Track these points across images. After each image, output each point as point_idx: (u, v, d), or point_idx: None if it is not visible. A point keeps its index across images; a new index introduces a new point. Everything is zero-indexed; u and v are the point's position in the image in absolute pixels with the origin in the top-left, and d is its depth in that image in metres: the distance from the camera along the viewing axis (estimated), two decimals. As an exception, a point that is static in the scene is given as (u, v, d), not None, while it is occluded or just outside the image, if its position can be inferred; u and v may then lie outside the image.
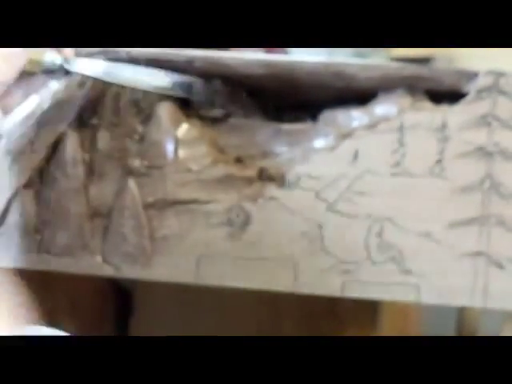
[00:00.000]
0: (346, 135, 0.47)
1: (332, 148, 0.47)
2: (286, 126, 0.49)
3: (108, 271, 0.50)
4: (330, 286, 0.47)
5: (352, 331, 0.69)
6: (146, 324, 0.76)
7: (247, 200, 0.48)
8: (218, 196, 0.48)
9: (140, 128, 0.50)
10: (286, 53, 0.78)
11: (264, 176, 0.48)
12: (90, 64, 0.50)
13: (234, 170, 0.49)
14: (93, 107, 0.51)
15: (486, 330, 0.87)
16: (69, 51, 0.49)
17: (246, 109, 0.51)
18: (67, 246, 0.50)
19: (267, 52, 0.67)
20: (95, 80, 0.50)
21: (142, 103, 0.50)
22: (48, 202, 0.51)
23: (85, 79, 0.50)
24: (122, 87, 0.50)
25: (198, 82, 0.50)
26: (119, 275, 0.50)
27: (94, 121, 0.51)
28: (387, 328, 0.72)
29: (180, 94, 0.50)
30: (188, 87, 0.50)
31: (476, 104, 0.46)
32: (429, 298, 0.46)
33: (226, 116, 0.51)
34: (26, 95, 0.52)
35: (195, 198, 0.49)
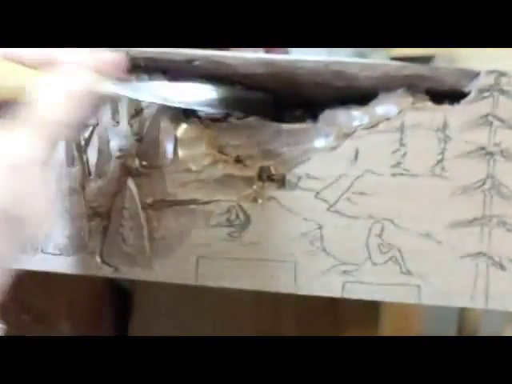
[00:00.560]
0: (347, 135, 0.47)
1: (332, 148, 0.47)
2: (286, 126, 0.49)
3: (107, 272, 0.50)
4: (330, 286, 0.47)
5: (352, 332, 0.69)
6: (145, 325, 0.76)
7: (247, 200, 0.48)
8: (217, 196, 0.48)
9: (139, 128, 0.49)
10: (286, 52, 0.78)
11: (264, 176, 0.48)
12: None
13: (234, 170, 0.49)
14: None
15: (487, 330, 0.87)
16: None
17: (246, 108, 0.50)
18: (65, 247, 0.50)
19: (267, 52, 0.66)
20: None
21: (141, 103, 0.50)
22: (46, 202, 0.51)
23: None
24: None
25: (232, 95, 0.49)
26: (118, 276, 0.50)
27: (93, 121, 0.51)
28: (388, 328, 0.72)
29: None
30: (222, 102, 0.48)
31: (477, 104, 0.45)
32: (429, 298, 0.46)
33: (226, 116, 0.50)
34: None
35: (195, 198, 0.48)
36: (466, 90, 0.46)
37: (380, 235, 0.46)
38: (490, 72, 0.45)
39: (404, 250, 0.46)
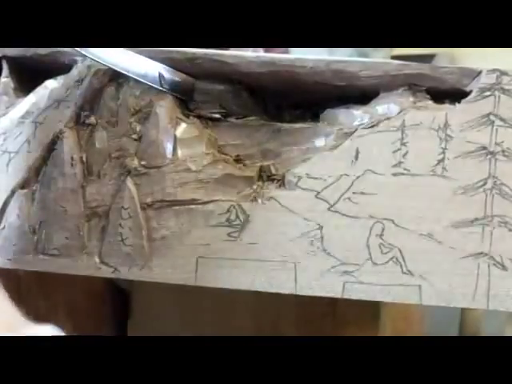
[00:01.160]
0: (347, 134, 0.47)
1: (333, 147, 0.47)
2: (287, 126, 0.49)
3: (106, 272, 0.49)
4: (330, 287, 0.47)
5: (353, 332, 0.69)
6: (145, 325, 0.76)
7: (247, 200, 0.48)
8: (217, 196, 0.48)
9: (138, 127, 0.49)
10: (286, 52, 0.78)
11: (264, 176, 0.48)
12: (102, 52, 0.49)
13: (234, 169, 0.48)
14: (90, 106, 0.51)
15: (489, 330, 0.87)
16: None
17: (246, 108, 0.50)
18: (64, 247, 0.50)
19: (267, 51, 0.66)
20: (94, 78, 0.50)
21: (140, 102, 0.49)
22: (45, 201, 0.50)
23: (83, 76, 0.50)
24: (120, 85, 0.50)
25: (199, 83, 0.49)
26: (117, 276, 0.50)
27: (92, 120, 0.50)
28: (388, 329, 0.72)
29: (177, 93, 0.49)
30: (187, 87, 0.49)
31: (478, 103, 0.45)
32: (431, 299, 0.46)
33: (226, 115, 0.50)
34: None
35: (194, 198, 0.48)
36: (467, 89, 0.46)
37: (381, 235, 0.46)
38: (492, 71, 0.45)
39: (405, 250, 0.46)
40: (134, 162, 0.49)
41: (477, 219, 0.45)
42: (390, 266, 0.46)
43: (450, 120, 0.46)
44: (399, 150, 0.46)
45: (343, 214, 0.47)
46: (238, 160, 0.49)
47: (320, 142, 0.48)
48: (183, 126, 0.49)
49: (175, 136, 0.49)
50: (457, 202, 0.45)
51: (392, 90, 0.47)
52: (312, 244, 0.47)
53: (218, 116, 0.50)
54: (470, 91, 0.46)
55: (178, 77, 0.49)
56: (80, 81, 0.51)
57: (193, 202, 0.48)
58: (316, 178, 0.47)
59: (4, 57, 0.54)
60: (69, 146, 0.50)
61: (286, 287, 0.47)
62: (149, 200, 0.49)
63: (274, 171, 0.48)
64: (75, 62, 0.51)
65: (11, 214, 0.51)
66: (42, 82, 0.53)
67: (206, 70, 0.49)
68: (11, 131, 0.52)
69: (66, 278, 0.51)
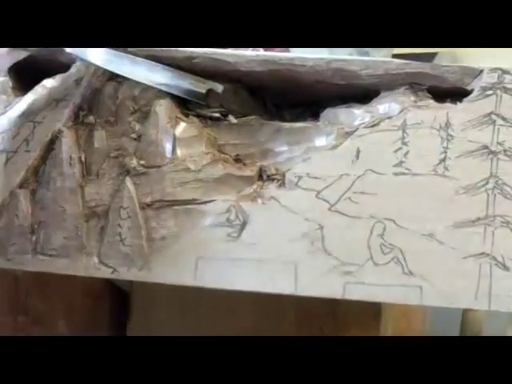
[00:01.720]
0: (348, 134, 0.47)
1: (333, 147, 0.47)
2: (287, 125, 0.49)
3: (105, 273, 0.49)
4: (331, 287, 0.46)
5: (354, 333, 0.68)
6: (144, 325, 0.76)
7: (246, 200, 0.47)
8: (216, 196, 0.48)
9: (137, 126, 0.49)
10: (287, 51, 0.78)
11: (264, 176, 0.48)
12: (99, 53, 0.48)
13: (234, 169, 0.48)
14: (89, 105, 0.50)
15: (491, 330, 0.87)
16: None
17: (245, 107, 0.50)
18: (63, 247, 0.50)
19: (267, 50, 0.66)
20: (92, 77, 0.50)
21: (140, 101, 0.49)
22: (43, 201, 0.50)
23: (82, 75, 0.50)
24: (119, 85, 0.50)
25: (199, 83, 0.49)
26: (116, 277, 0.49)
27: (91, 119, 0.50)
28: (389, 330, 0.72)
29: (179, 93, 0.49)
30: (188, 87, 0.49)
31: (480, 102, 0.45)
32: (432, 299, 0.46)
33: (226, 114, 0.50)
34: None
35: (194, 197, 0.48)
36: (469, 88, 0.46)
37: (382, 235, 0.46)
38: (493, 70, 0.45)
39: (406, 250, 0.46)
40: (133, 162, 0.49)
41: (478, 219, 0.45)
42: (391, 267, 0.46)
43: (451, 119, 0.45)
44: (400, 149, 0.46)
45: (344, 214, 0.46)
46: (237, 160, 0.49)
47: (320, 142, 0.48)
48: (182, 125, 0.49)
49: (174, 135, 0.48)
50: (458, 202, 0.45)
51: (393, 89, 0.47)
52: (312, 244, 0.47)
53: (217, 115, 0.50)
54: (472, 90, 0.45)
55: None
56: (79, 80, 0.50)
57: (192, 201, 0.48)
58: (316, 178, 0.47)
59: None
60: (67, 145, 0.50)
61: (286, 287, 0.47)
62: (148, 200, 0.49)
63: (274, 171, 0.48)
64: (74, 61, 0.51)
65: (9, 214, 0.50)
66: (41, 81, 0.53)
67: (205, 68, 0.49)
68: (9, 130, 0.52)
69: (65, 279, 0.51)
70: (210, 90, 0.49)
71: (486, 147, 0.45)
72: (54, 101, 0.51)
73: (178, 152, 0.48)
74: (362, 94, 0.48)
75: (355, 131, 0.47)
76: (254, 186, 0.48)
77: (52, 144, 0.50)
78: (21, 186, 0.51)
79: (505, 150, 0.45)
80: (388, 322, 0.71)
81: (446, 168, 0.45)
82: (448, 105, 0.46)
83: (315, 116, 0.49)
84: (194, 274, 0.48)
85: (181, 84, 0.49)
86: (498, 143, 0.45)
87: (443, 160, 0.45)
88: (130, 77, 0.49)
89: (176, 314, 0.74)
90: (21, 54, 0.51)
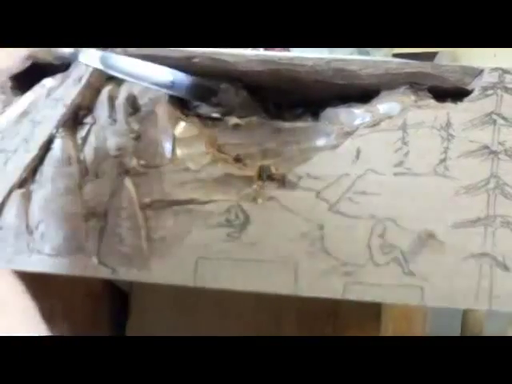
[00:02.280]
0: (348, 134, 0.47)
1: (333, 147, 0.47)
2: (287, 125, 0.48)
3: (104, 273, 0.49)
4: (331, 288, 0.46)
5: (354, 333, 0.68)
6: (143, 325, 0.75)
7: (246, 200, 0.47)
8: (216, 196, 0.48)
9: (137, 126, 0.49)
10: (287, 50, 0.78)
11: (264, 176, 0.48)
12: (97, 55, 0.48)
13: (233, 169, 0.48)
14: (88, 105, 0.50)
15: (491, 330, 0.87)
16: None
17: (245, 107, 0.50)
18: (62, 247, 0.50)
19: (267, 50, 0.66)
20: (92, 76, 0.50)
21: (139, 101, 0.49)
22: (42, 201, 0.50)
23: (81, 75, 0.50)
24: (118, 84, 0.50)
25: (199, 83, 0.49)
26: (115, 277, 0.49)
27: (90, 119, 0.50)
28: (390, 329, 0.72)
29: (179, 93, 0.49)
30: (188, 87, 0.49)
31: (481, 102, 0.45)
32: (433, 300, 0.46)
33: (225, 114, 0.50)
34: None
35: (193, 198, 0.48)
36: (470, 87, 0.46)
37: (382, 235, 0.46)
38: (494, 69, 0.45)
39: (406, 250, 0.46)
40: (133, 162, 0.49)
41: (479, 219, 0.45)
42: (392, 267, 0.46)
43: (451, 119, 0.45)
44: (401, 149, 0.46)
45: (344, 214, 0.46)
46: (237, 159, 0.49)
47: (321, 142, 0.48)
48: (182, 125, 0.49)
49: (174, 135, 0.48)
50: (459, 202, 0.45)
51: (393, 89, 0.47)
52: (312, 244, 0.46)
53: (217, 115, 0.50)
54: (472, 90, 0.45)
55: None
56: (78, 79, 0.50)
57: (192, 201, 0.48)
58: (316, 178, 0.47)
59: None
60: (66, 145, 0.50)
61: (286, 288, 0.47)
62: (148, 200, 0.48)
63: (274, 171, 0.48)
64: (73, 60, 0.51)
65: (8, 214, 0.50)
66: (40, 80, 0.53)
67: (205, 68, 0.49)
68: (8, 130, 0.52)
69: (64, 279, 0.51)
70: (209, 91, 0.49)
71: (486, 147, 0.45)
72: (53, 100, 0.51)
73: (178, 152, 0.48)
74: (363, 93, 0.48)
75: (355, 131, 0.46)
76: (254, 186, 0.48)
77: (51, 144, 0.50)
78: (20, 186, 0.51)
79: (505, 150, 0.45)
80: (388, 322, 0.71)
81: (446, 168, 0.45)
82: (448, 104, 0.46)
83: (315, 116, 0.49)
84: (193, 274, 0.48)
85: (180, 85, 0.49)
86: (499, 143, 0.45)
87: (444, 160, 0.45)
88: (129, 79, 0.49)
89: (176, 314, 0.74)
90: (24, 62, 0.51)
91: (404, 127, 0.46)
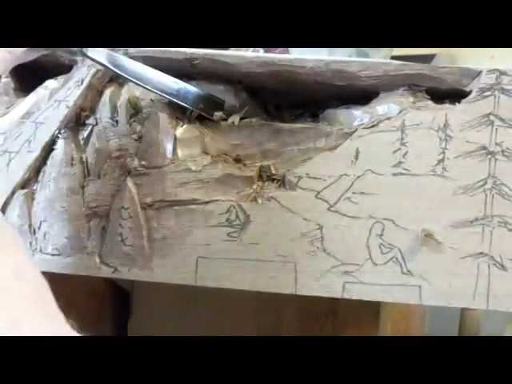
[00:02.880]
0: (347, 134, 0.47)
1: (333, 147, 0.47)
2: (287, 126, 0.49)
3: (106, 272, 0.49)
4: (330, 287, 0.47)
5: (353, 332, 0.68)
6: (145, 325, 0.75)
7: (247, 200, 0.48)
8: (217, 196, 0.48)
9: (138, 127, 0.49)
10: (286, 52, 0.78)
11: (264, 176, 0.48)
12: (104, 53, 0.48)
13: (234, 169, 0.48)
14: (90, 106, 0.51)
15: (489, 330, 0.87)
16: None
17: (245, 108, 0.50)
18: (65, 247, 0.50)
19: (267, 51, 0.66)
20: (94, 78, 0.50)
21: (141, 102, 0.49)
22: (45, 201, 0.50)
23: (83, 77, 0.50)
24: (120, 86, 0.50)
25: (205, 96, 0.49)
26: (117, 276, 0.49)
27: (92, 120, 0.50)
28: (389, 329, 0.72)
29: (183, 102, 0.49)
30: (193, 98, 0.49)
31: (478, 103, 0.45)
32: (431, 299, 0.46)
33: (226, 115, 0.50)
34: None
35: (194, 198, 0.48)
36: (467, 89, 0.46)
37: (381, 235, 0.46)
38: (491, 71, 0.45)
39: (405, 250, 0.46)
40: (135, 162, 0.49)
41: (477, 219, 0.45)
42: (390, 266, 0.46)
43: (449, 120, 0.46)
44: (399, 149, 0.46)
45: (343, 214, 0.46)
46: (238, 160, 0.49)
47: (320, 142, 0.48)
48: (183, 126, 0.49)
49: (175, 136, 0.49)
50: (457, 202, 0.45)
51: (392, 90, 0.47)
52: (312, 244, 0.47)
53: (218, 116, 0.50)
54: (470, 91, 0.46)
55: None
56: (80, 81, 0.50)
57: (193, 202, 0.48)
58: (316, 178, 0.47)
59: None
60: (69, 146, 0.50)
61: (286, 287, 0.47)
62: (149, 200, 0.49)
63: (274, 171, 0.48)
64: (75, 62, 0.51)
65: (11, 214, 0.51)
66: (43, 82, 0.53)
67: (206, 70, 0.49)
68: (11, 131, 0.52)
69: (66, 278, 0.51)
70: (215, 104, 0.49)
71: (484, 148, 0.45)
72: (55, 102, 0.51)
73: (179, 152, 0.48)
74: (362, 95, 0.48)
75: (354, 132, 0.47)
76: (254, 187, 0.48)
77: (54, 144, 0.51)
78: (23, 186, 0.51)
79: (503, 151, 0.45)
80: (387, 321, 0.71)
81: (444, 168, 0.46)
82: (446, 106, 0.46)
83: (315, 117, 0.50)
84: (194, 274, 0.48)
85: (185, 95, 0.49)
86: (496, 144, 0.45)
87: (442, 160, 0.46)
88: (133, 81, 0.48)
89: (176, 312, 0.74)
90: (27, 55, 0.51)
91: (402, 128, 0.46)
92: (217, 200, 0.48)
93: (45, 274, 0.48)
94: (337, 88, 0.48)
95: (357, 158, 0.46)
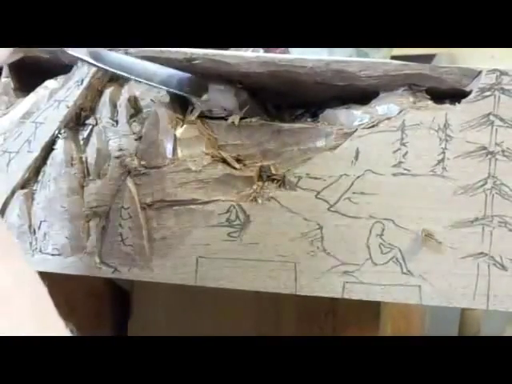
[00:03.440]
0: (347, 134, 0.47)
1: (333, 147, 0.47)
2: (287, 126, 0.49)
3: (106, 272, 0.49)
4: (330, 287, 0.47)
5: (353, 332, 0.69)
6: (145, 325, 0.76)
7: (247, 200, 0.48)
8: (217, 196, 0.48)
9: (138, 127, 0.49)
10: (286, 52, 0.78)
11: (264, 176, 0.48)
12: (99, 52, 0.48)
13: (234, 170, 0.48)
14: (90, 106, 0.51)
15: (489, 330, 0.87)
16: None
17: (245, 108, 0.50)
18: (64, 247, 0.50)
19: (267, 51, 0.66)
20: (93, 78, 0.50)
21: (141, 102, 0.49)
22: (45, 201, 0.50)
23: (83, 76, 0.50)
24: (120, 86, 0.50)
25: (189, 78, 0.49)
26: (117, 276, 0.49)
27: (92, 120, 0.50)
28: (389, 329, 0.72)
29: (178, 91, 0.49)
30: (177, 82, 0.49)
31: (478, 103, 0.45)
32: (431, 299, 0.46)
33: (226, 115, 0.50)
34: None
35: (194, 198, 0.48)
36: (467, 89, 0.46)
37: (381, 235, 0.46)
38: (492, 71, 0.45)
39: (405, 250, 0.46)
40: (134, 162, 0.49)
41: (477, 219, 0.45)
42: (390, 266, 0.46)
43: (449, 120, 0.46)
44: (399, 150, 0.46)
45: (343, 214, 0.46)
46: (238, 160, 0.49)
47: (320, 142, 0.48)
48: (183, 126, 0.49)
49: (175, 136, 0.49)
50: (457, 202, 0.45)
51: (392, 90, 0.47)
52: (312, 244, 0.47)
53: (218, 116, 0.50)
54: (470, 91, 0.45)
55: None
56: (80, 81, 0.51)
57: (193, 202, 0.48)
58: (316, 178, 0.47)
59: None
60: (69, 146, 0.50)
61: (286, 287, 0.47)
62: (149, 200, 0.49)
63: (274, 171, 0.48)
64: (75, 62, 0.51)
65: (11, 214, 0.51)
66: (42, 82, 0.53)
67: (206, 70, 0.49)
68: (11, 131, 0.52)
69: (66, 279, 0.51)
70: (199, 86, 0.49)
71: (484, 148, 0.45)
72: (55, 102, 0.51)
73: (179, 152, 0.48)
74: (361, 95, 0.48)
75: (354, 132, 0.47)
76: (254, 187, 0.48)
77: (53, 144, 0.51)
78: (22, 187, 0.51)
79: (503, 151, 0.45)
80: (387, 321, 0.71)
81: (444, 168, 0.46)
82: (447, 106, 0.46)
83: (315, 117, 0.50)
84: (194, 274, 0.48)
85: (169, 80, 0.48)
86: (496, 144, 0.45)
87: (442, 160, 0.46)
88: (131, 77, 0.48)
89: (176, 312, 0.75)
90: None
91: (402, 128, 0.46)
92: (217, 200, 0.48)
93: (44, 276, 0.48)
94: (337, 88, 0.48)
95: (357, 158, 0.46)
